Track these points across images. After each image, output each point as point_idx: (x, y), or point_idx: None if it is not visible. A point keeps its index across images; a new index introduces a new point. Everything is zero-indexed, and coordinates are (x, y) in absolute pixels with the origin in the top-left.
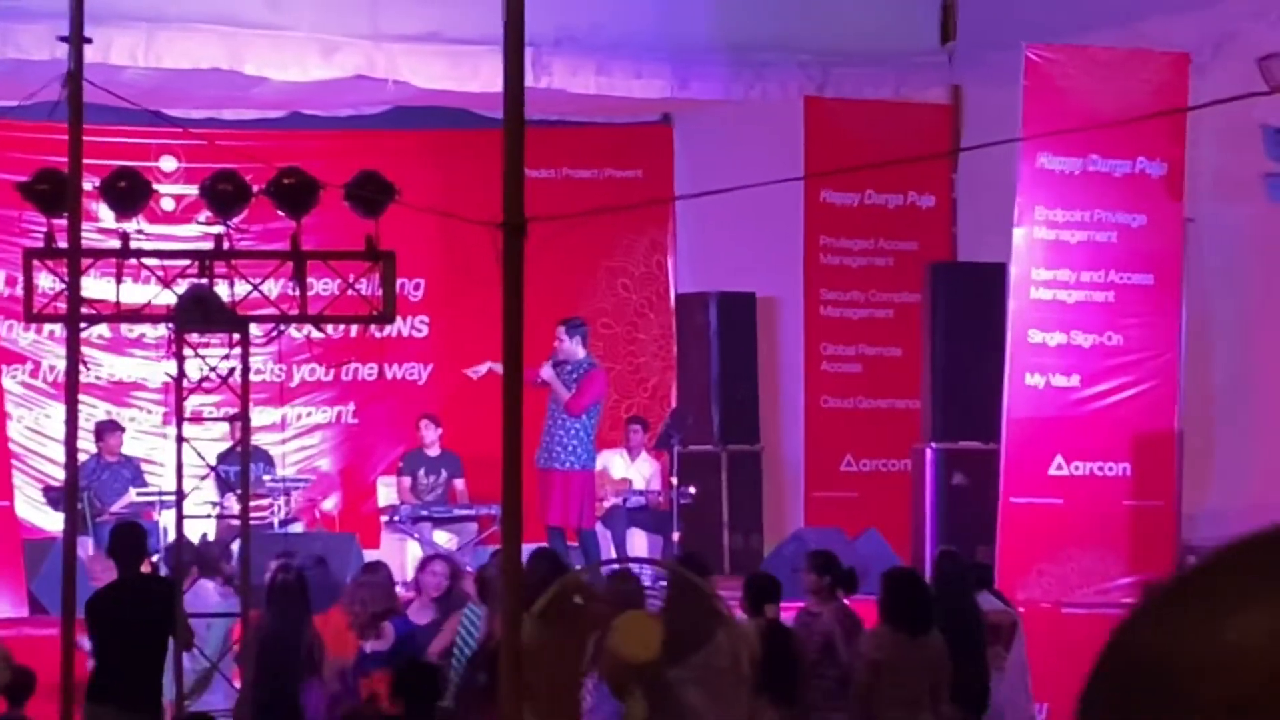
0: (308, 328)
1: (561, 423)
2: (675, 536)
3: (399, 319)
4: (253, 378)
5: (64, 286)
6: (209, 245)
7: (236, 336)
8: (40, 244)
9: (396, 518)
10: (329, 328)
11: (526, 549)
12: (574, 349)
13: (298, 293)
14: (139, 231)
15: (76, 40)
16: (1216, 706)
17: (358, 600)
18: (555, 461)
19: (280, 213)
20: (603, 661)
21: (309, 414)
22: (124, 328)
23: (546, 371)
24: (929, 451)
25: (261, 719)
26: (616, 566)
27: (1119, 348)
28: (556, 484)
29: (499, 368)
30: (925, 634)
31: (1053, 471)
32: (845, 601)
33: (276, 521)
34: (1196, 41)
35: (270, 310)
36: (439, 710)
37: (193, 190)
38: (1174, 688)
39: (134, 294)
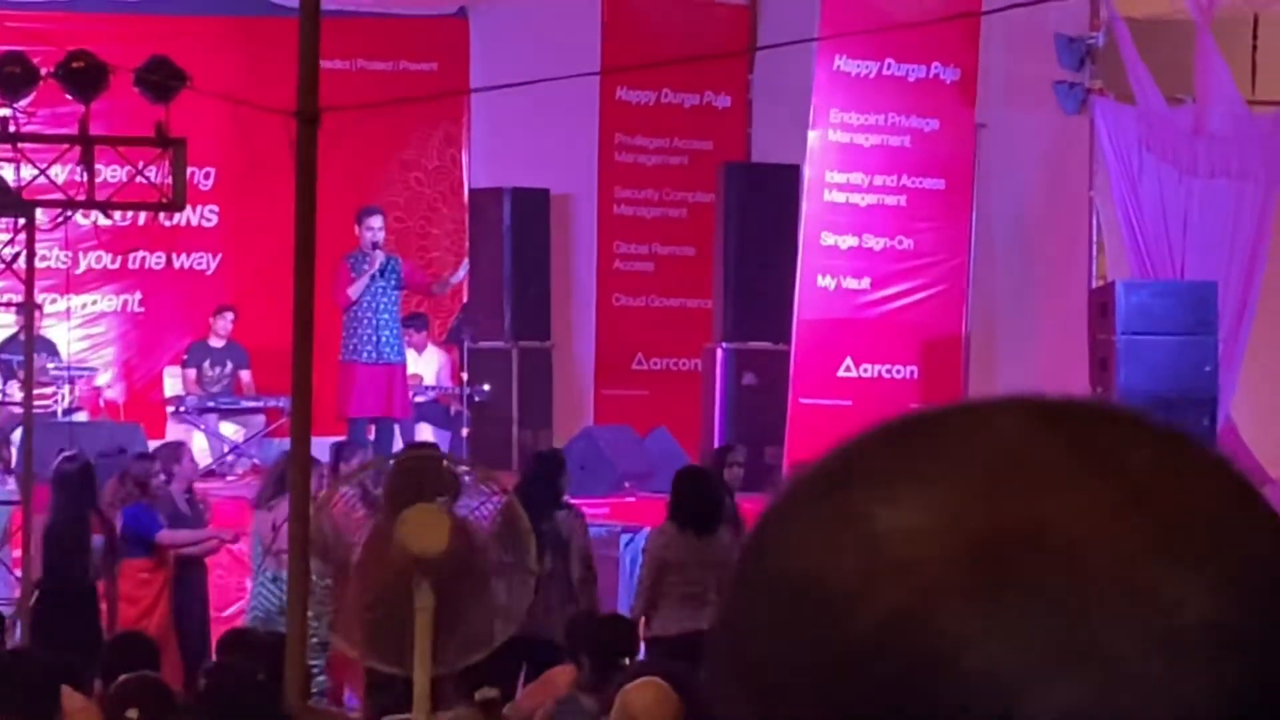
0: (95, 214)
1: (396, 316)
2: (465, 432)
3: (188, 208)
4: (38, 264)
5: None
6: None
7: (22, 221)
8: None
9: (183, 408)
10: (117, 215)
11: (318, 442)
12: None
13: (85, 178)
14: None
15: None
16: (879, 620)
17: None
18: (397, 355)
19: (69, 96)
20: (389, 555)
21: (94, 302)
22: None
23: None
24: (720, 351)
25: (52, 613)
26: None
27: (910, 251)
28: (398, 377)
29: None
30: (712, 533)
31: (842, 373)
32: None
33: (60, 410)
34: None
35: (57, 195)
36: None
37: None
38: (832, 608)
39: None
